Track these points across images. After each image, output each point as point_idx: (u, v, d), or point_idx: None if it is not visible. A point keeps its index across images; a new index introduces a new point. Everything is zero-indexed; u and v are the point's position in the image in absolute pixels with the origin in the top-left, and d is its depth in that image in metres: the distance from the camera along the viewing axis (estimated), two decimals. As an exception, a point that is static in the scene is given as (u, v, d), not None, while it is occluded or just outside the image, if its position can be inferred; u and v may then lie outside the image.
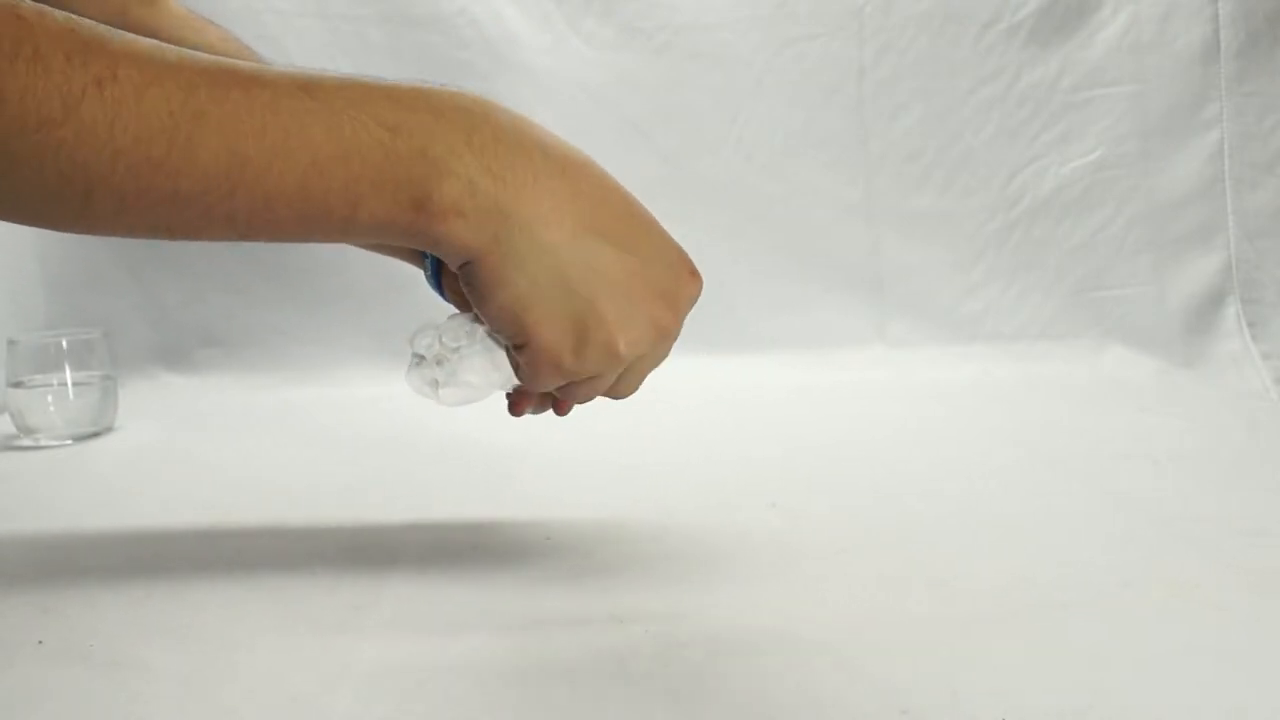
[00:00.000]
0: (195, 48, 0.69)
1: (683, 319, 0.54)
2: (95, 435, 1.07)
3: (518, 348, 0.52)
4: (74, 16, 0.42)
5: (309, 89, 0.45)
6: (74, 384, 1.07)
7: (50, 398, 1.06)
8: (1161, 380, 1.30)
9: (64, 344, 1.08)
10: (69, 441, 1.06)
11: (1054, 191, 1.40)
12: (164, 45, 0.44)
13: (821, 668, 0.51)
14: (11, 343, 1.08)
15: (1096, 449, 0.98)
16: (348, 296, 1.37)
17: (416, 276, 1.36)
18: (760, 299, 1.38)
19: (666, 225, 0.64)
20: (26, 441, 1.06)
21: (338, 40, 1.34)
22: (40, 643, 0.55)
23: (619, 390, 0.56)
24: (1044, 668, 0.51)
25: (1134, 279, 1.39)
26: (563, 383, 0.53)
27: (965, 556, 0.67)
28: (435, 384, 0.56)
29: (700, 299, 0.56)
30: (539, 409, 0.60)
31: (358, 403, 1.19)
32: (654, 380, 0.58)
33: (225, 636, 0.56)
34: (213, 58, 0.44)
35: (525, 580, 0.64)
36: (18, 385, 1.06)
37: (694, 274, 0.53)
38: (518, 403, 0.59)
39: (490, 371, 0.55)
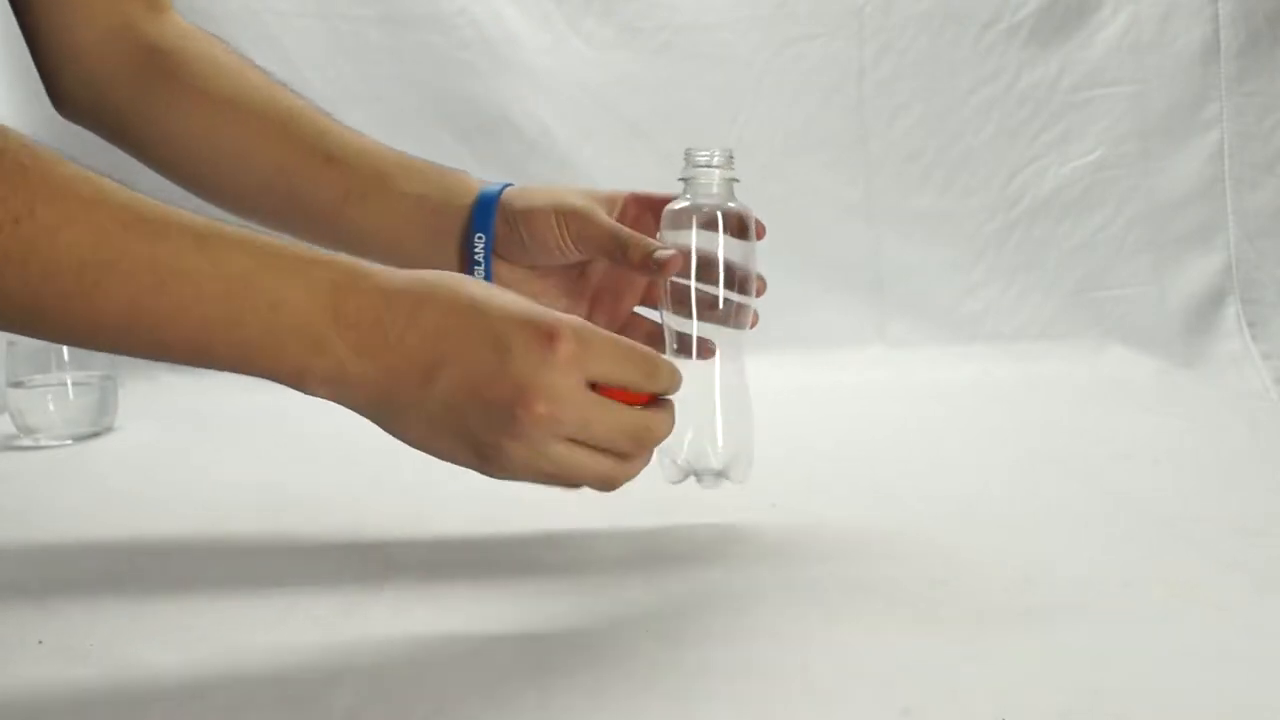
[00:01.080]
0: (197, 59, 0.70)
1: (561, 390, 0.52)
2: (95, 435, 1.07)
3: None
4: (4, 142, 0.45)
5: (205, 247, 0.49)
6: (74, 384, 1.07)
7: (50, 398, 1.06)
8: (1161, 380, 1.30)
9: (64, 344, 1.08)
10: (69, 441, 1.06)
11: (1054, 191, 1.40)
12: (84, 177, 0.47)
13: (822, 667, 0.51)
14: (11, 343, 1.08)
15: (1096, 449, 0.98)
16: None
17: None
18: (760, 299, 1.38)
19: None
20: (26, 441, 1.06)
21: (338, 40, 1.34)
22: (40, 643, 0.55)
23: (578, 469, 0.56)
24: (1044, 668, 0.51)
25: (1134, 279, 1.39)
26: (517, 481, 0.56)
27: (965, 556, 0.67)
28: None
29: None
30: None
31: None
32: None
33: (225, 636, 0.56)
34: (127, 194, 0.48)
35: (525, 580, 0.64)
36: (18, 385, 1.06)
37: (549, 340, 0.52)
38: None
39: None
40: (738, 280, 0.68)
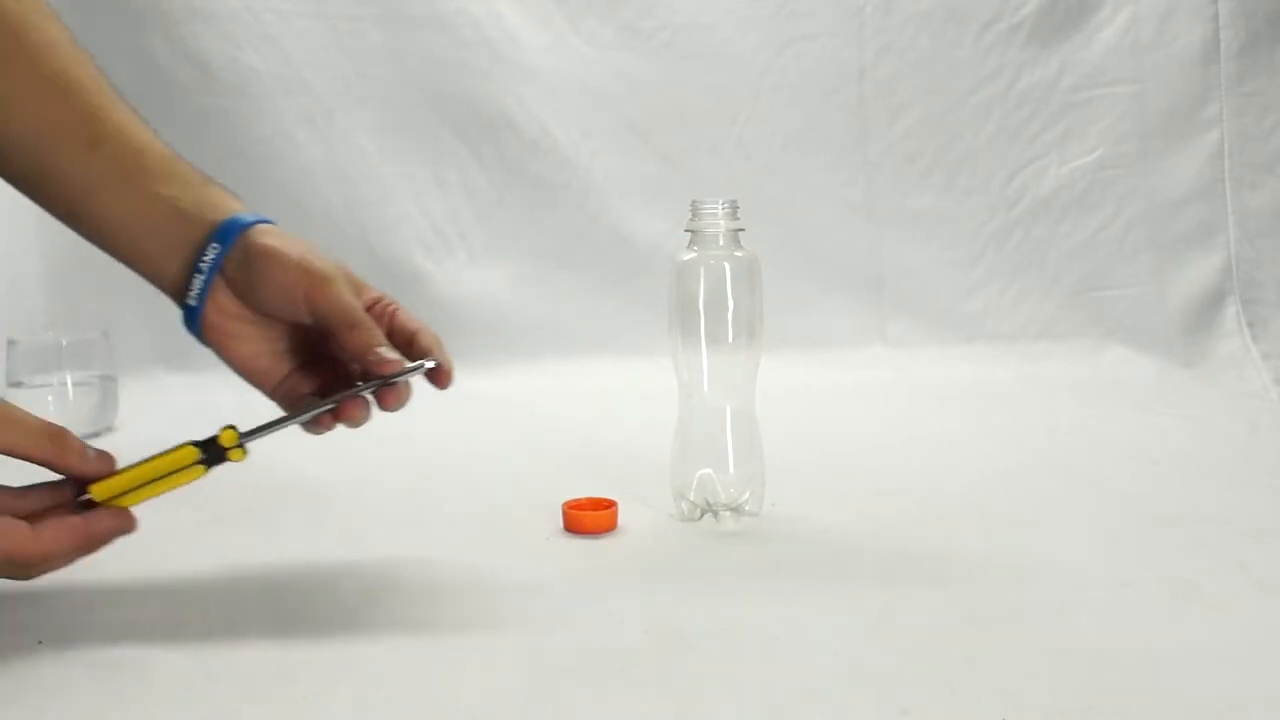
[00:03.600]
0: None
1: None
2: (95, 435, 1.07)
3: None
4: None
5: None
6: (74, 384, 1.07)
7: (50, 398, 1.06)
8: (1161, 380, 1.30)
9: (64, 344, 1.08)
10: (69, 441, 1.05)
11: (1054, 191, 1.40)
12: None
13: (822, 667, 0.51)
14: (11, 343, 1.08)
15: (1096, 449, 0.98)
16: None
17: (415, 277, 1.37)
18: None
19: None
20: (26, 441, 1.06)
21: (338, 40, 1.34)
22: (40, 643, 0.55)
23: None
24: (1044, 668, 0.51)
25: (1134, 279, 1.39)
26: None
27: (965, 556, 0.67)
28: None
29: None
30: None
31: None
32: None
33: (225, 636, 0.56)
34: None
35: (525, 580, 0.64)
36: (18, 385, 1.06)
37: None
38: None
39: None
40: (746, 324, 0.72)
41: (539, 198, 1.36)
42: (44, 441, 0.55)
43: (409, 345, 0.62)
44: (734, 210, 0.72)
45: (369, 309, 0.62)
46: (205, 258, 0.61)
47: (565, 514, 0.73)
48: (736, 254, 0.72)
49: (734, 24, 1.38)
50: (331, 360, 0.64)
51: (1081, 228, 1.40)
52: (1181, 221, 1.39)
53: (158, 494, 0.58)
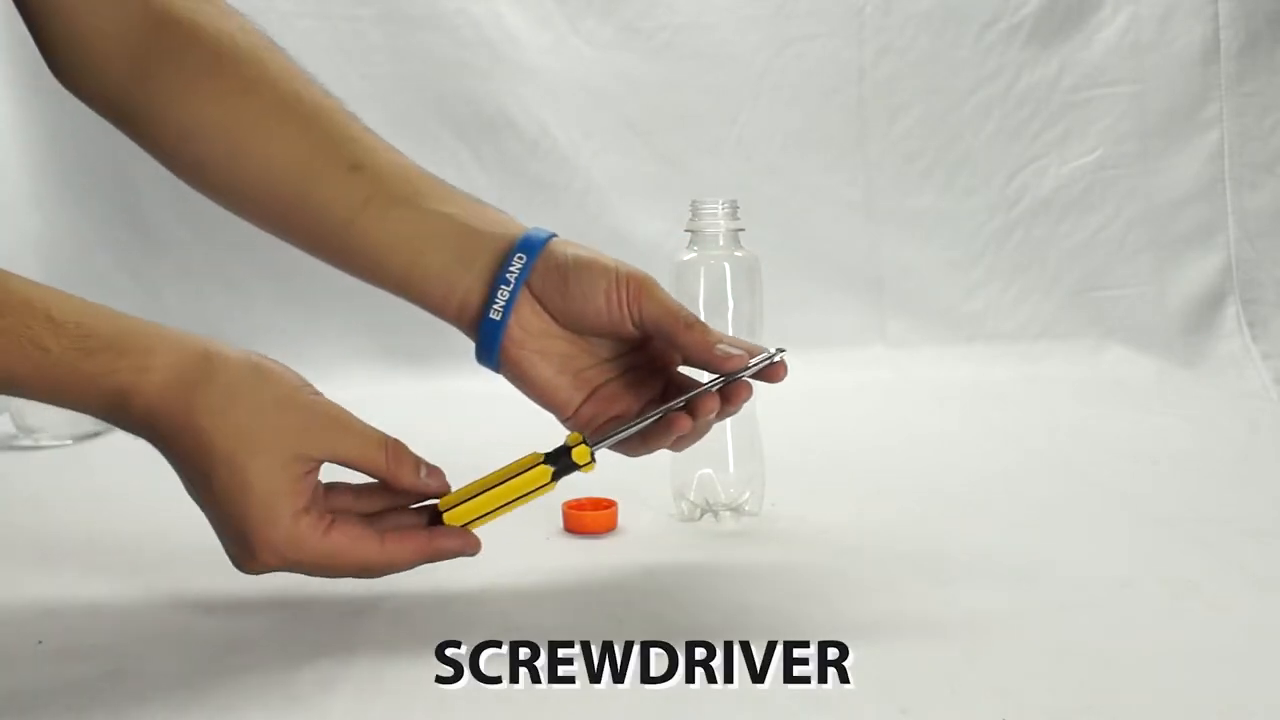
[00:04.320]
0: (210, 34, 0.62)
1: (286, 548, 0.53)
2: (95, 435, 1.07)
3: None
4: None
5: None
6: (74, 384, 1.07)
7: (50, 398, 1.06)
8: (1161, 380, 1.30)
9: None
10: (69, 441, 1.06)
11: (1054, 191, 1.40)
12: None
13: (822, 667, 0.51)
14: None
15: (1097, 449, 0.98)
16: (349, 296, 1.36)
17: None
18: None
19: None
20: (26, 441, 1.06)
21: (338, 40, 1.34)
22: (40, 643, 0.55)
23: None
24: (1044, 668, 0.51)
25: (1134, 279, 1.39)
26: None
27: (966, 556, 0.67)
28: None
29: None
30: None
31: (358, 402, 1.19)
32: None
33: (225, 637, 0.56)
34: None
35: (524, 581, 0.64)
36: (18, 385, 1.06)
37: (249, 557, 0.54)
38: None
39: None
40: (746, 324, 0.72)
41: (539, 198, 1.36)
42: (379, 454, 0.55)
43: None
44: (734, 210, 0.72)
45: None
46: (511, 269, 0.58)
47: (565, 514, 0.73)
48: (736, 254, 0.72)
49: (734, 24, 1.38)
50: (634, 384, 0.61)
51: (1081, 228, 1.40)
52: (1181, 221, 1.39)
53: (507, 513, 0.58)
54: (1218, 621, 0.56)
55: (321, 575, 0.55)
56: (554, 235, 0.60)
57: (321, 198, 0.61)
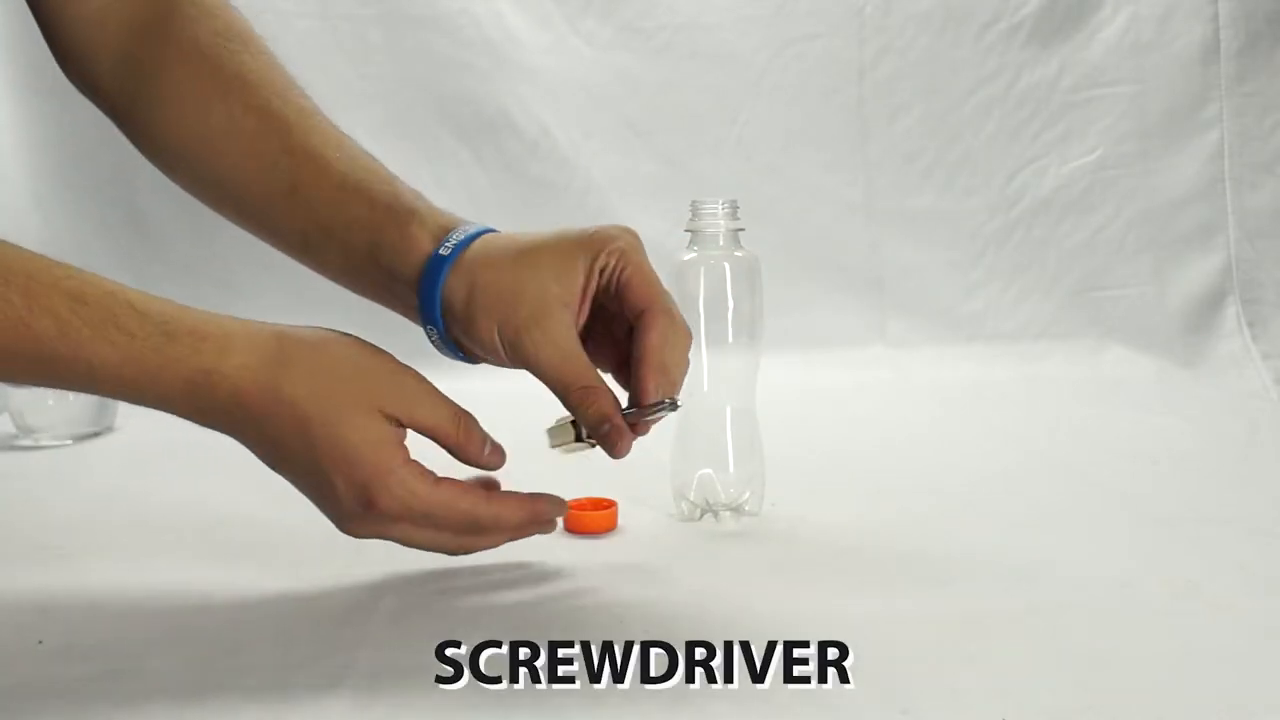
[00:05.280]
0: (209, 30, 0.63)
1: (399, 495, 0.55)
2: (95, 435, 1.07)
3: None
4: None
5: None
6: (74, 384, 1.07)
7: (50, 397, 1.06)
8: (1161, 380, 1.30)
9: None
10: (69, 441, 1.06)
11: (1054, 191, 1.40)
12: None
13: (822, 667, 0.51)
14: (11, 343, 1.07)
15: (1097, 449, 0.98)
16: (350, 296, 1.36)
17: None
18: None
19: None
20: (26, 441, 1.06)
21: (338, 40, 1.34)
22: (40, 643, 0.55)
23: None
24: (1044, 668, 0.51)
25: (1134, 279, 1.39)
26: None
27: (966, 556, 0.67)
28: None
29: None
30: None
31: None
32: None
33: (225, 636, 0.56)
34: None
35: (524, 582, 0.64)
36: (19, 384, 1.06)
37: (367, 503, 0.55)
38: None
39: None
40: (746, 324, 0.72)
41: (539, 198, 1.36)
42: (452, 425, 0.56)
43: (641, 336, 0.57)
44: (734, 210, 0.72)
45: (592, 274, 0.57)
46: (432, 337, 0.60)
47: (565, 514, 0.73)
48: (736, 254, 0.72)
49: (734, 24, 1.38)
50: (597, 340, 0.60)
51: (1081, 228, 1.40)
52: (1181, 221, 1.39)
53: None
54: (1218, 621, 0.56)
55: (424, 542, 0.57)
56: (454, 260, 0.58)
57: (268, 222, 0.64)
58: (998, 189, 1.40)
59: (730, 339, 0.72)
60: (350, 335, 0.57)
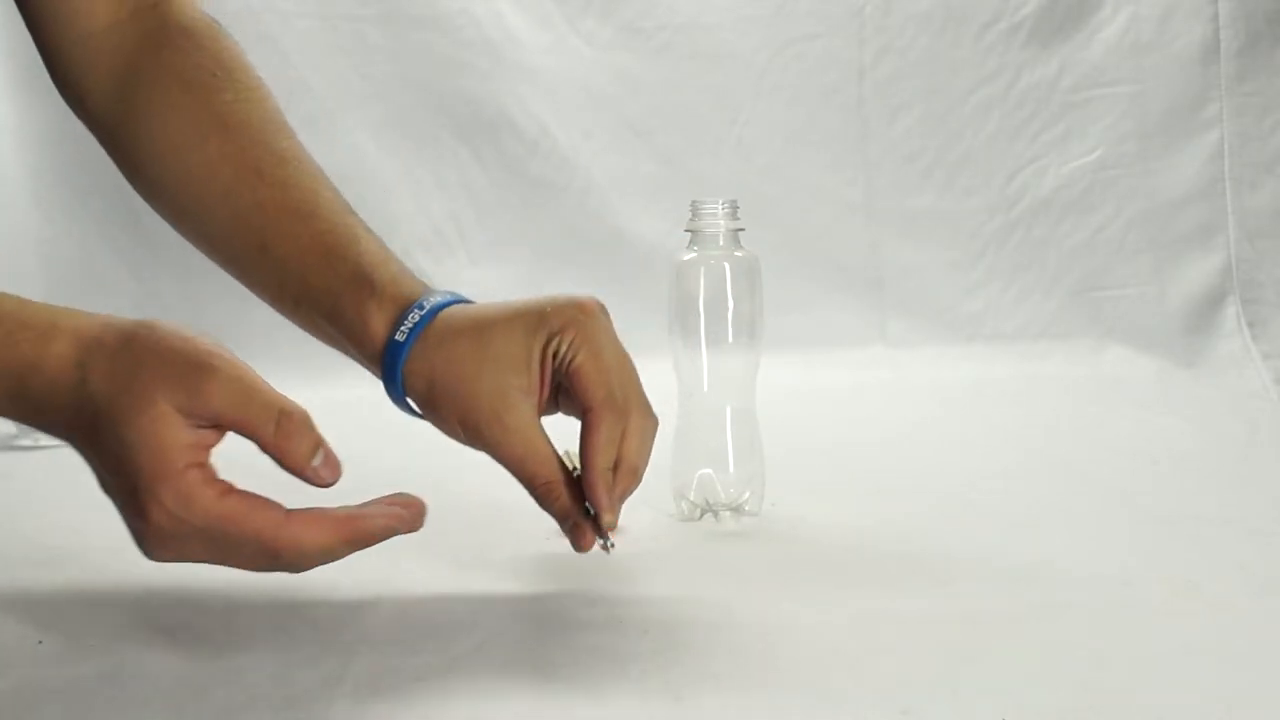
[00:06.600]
0: (194, 49, 0.63)
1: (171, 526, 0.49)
2: (95, 435, 1.07)
3: None
4: None
5: None
6: (74, 384, 1.07)
7: (50, 398, 1.06)
8: (1161, 380, 1.30)
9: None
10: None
11: (1054, 191, 1.40)
12: None
13: (821, 667, 0.51)
14: (11, 343, 1.07)
15: (1097, 449, 0.98)
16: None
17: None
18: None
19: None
20: (26, 441, 1.06)
21: (338, 40, 1.34)
22: (40, 643, 0.55)
23: None
24: (1044, 668, 0.51)
25: (1134, 279, 1.39)
26: None
27: (965, 556, 0.67)
28: None
29: None
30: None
31: (359, 402, 1.19)
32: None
33: (225, 636, 0.56)
34: None
35: (525, 582, 0.64)
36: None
37: (140, 515, 0.49)
38: None
39: None
40: (746, 324, 0.72)
41: (539, 198, 1.36)
42: (265, 422, 0.48)
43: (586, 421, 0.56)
44: (734, 210, 0.72)
45: (546, 360, 0.56)
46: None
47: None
48: (736, 254, 0.72)
49: (734, 24, 1.38)
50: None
51: (1081, 228, 1.40)
52: (1181, 221, 1.39)
53: None
54: (1218, 621, 0.56)
55: (219, 559, 0.50)
56: (405, 353, 0.57)
57: (250, 279, 0.64)
58: (998, 189, 1.40)
59: (730, 339, 0.72)
60: (181, 324, 0.50)
